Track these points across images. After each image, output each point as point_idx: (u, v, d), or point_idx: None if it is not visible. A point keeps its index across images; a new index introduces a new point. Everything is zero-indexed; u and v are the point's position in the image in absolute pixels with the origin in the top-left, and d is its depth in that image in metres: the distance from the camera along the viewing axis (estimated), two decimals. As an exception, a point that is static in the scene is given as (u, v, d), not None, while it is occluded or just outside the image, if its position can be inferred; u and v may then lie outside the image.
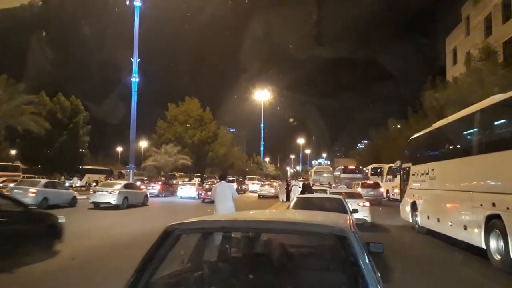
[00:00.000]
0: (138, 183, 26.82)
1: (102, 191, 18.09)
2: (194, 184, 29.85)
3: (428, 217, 10.69)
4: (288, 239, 2.99)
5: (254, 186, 43.15)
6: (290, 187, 24.98)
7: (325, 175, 41.22)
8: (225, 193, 8.51)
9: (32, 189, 15.85)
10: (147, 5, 36.18)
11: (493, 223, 6.88)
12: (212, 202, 9.24)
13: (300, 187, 25.55)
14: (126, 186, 19.51)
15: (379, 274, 2.58)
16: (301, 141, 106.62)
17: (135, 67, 36.37)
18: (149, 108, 54.32)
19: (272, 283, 2.46)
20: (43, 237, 7.17)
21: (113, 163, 67.38)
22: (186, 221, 2.54)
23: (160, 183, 33.07)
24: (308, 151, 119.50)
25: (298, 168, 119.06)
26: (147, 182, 33.58)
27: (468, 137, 8.66)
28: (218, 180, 9.76)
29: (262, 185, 37.26)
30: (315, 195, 12.76)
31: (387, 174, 29.17)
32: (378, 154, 43.01)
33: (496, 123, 7.41)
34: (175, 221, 2.47)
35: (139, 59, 36.45)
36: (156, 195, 27.45)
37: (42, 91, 24.47)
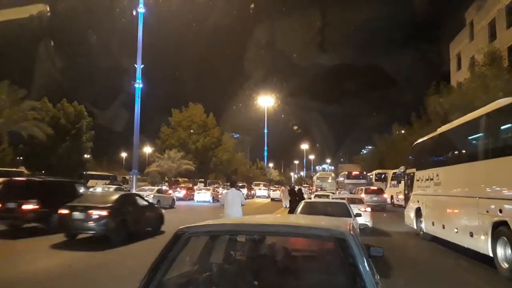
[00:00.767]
0: (164, 187, 30.88)
1: None
2: (209, 190, 33.14)
3: (433, 224, 10.50)
4: (292, 244, 3.11)
5: (260, 192, 45.79)
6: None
7: (329, 181, 41.73)
8: (234, 199, 9.07)
9: (151, 194, 21.35)
10: (153, 13, 36.55)
11: (500, 230, 6.71)
12: (223, 205, 9.78)
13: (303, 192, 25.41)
14: (158, 191, 23.85)
15: (378, 277, 2.71)
16: (305, 146, 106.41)
17: (138, 73, 36.55)
18: (154, 114, 54.50)
19: (275, 285, 2.55)
20: (157, 221, 11.81)
21: (118, 168, 67.55)
22: (195, 225, 2.69)
23: (185, 188, 36.65)
24: (312, 157, 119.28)
25: (302, 173, 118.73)
26: (174, 187, 37.81)
27: (474, 142, 8.50)
28: (222, 186, 10.97)
29: (274, 190, 42.28)
30: (321, 199, 13.13)
31: (392, 179, 28.88)
32: (382, 160, 42.87)
33: (502, 127, 7.25)
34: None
35: (142, 65, 36.64)
36: (182, 199, 30.61)
37: (45, 97, 24.54)
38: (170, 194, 26.10)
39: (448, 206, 9.46)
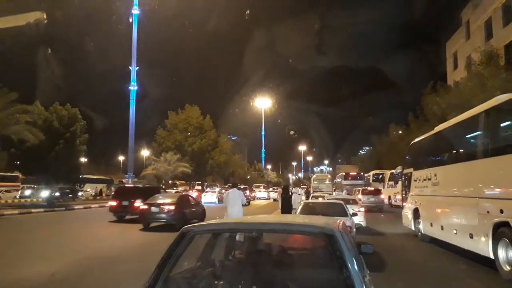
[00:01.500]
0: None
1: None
2: (214, 192, 35.53)
3: (431, 225, 10.24)
4: (287, 242, 3.36)
5: (260, 193, 48.46)
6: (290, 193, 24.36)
7: (326, 182, 42.11)
8: (235, 199, 9.74)
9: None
10: (150, 17, 36.44)
11: (501, 231, 6.43)
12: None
13: (300, 194, 25.14)
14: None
15: (368, 271, 3.06)
16: (303, 148, 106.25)
17: (133, 76, 36.28)
18: (153, 117, 54.25)
19: (271, 278, 2.74)
20: (202, 215, 15.53)
21: (116, 172, 67.31)
22: (198, 224, 3.05)
23: (197, 190, 38.86)
24: (310, 158, 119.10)
25: (300, 175, 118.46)
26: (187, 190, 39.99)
27: (473, 140, 8.23)
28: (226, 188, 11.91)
29: (275, 192, 43.91)
30: (319, 200, 13.82)
31: (389, 180, 28.73)
32: (380, 160, 42.84)
33: (502, 124, 6.97)
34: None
35: (137, 68, 36.37)
36: None
37: (37, 100, 24.17)
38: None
39: (447, 206, 9.20)
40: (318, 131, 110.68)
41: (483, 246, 6.99)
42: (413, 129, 29.92)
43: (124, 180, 44.77)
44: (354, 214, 10.33)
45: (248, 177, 70.65)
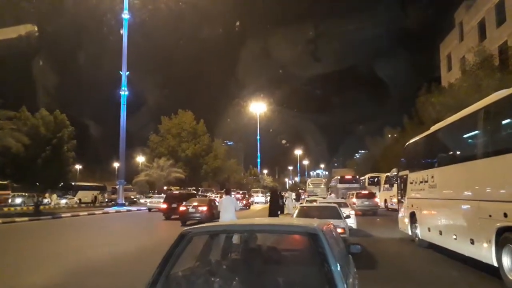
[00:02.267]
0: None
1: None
2: (217, 197, 36.04)
3: (429, 230, 9.73)
4: (279, 243, 3.57)
5: (258, 198, 48.97)
6: (284, 198, 23.87)
7: (321, 186, 42.69)
8: (228, 205, 10.33)
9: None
10: (143, 22, 36.21)
11: (505, 237, 5.92)
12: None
13: (293, 198, 24.66)
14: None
15: (355, 270, 3.48)
16: (298, 152, 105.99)
17: (124, 80, 35.77)
18: (147, 123, 53.62)
19: (262, 275, 2.99)
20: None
21: (111, 179, 66.40)
22: (197, 226, 3.26)
23: (220, 194, 39.70)
24: (306, 162, 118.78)
25: (297, 179, 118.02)
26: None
27: (472, 139, 7.75)
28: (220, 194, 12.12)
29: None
30: (315, 204, 14.21)
31: (385, 183, 28.25)
32: (376, 163, 42.56)
33: (504, 121, 6.49)
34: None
35: (128, 72, 35.83)
36: None
37: (23, 106, 23.48)
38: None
39: (445, 210, 8.69)
40: (313, 135, 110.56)
41: (486, 252, 6.48)
42: (408, 131, 29.62)
43: (117, 187, 44.03)
44: (347, 217, 11.21)
45: (245, 181, 70.02)
